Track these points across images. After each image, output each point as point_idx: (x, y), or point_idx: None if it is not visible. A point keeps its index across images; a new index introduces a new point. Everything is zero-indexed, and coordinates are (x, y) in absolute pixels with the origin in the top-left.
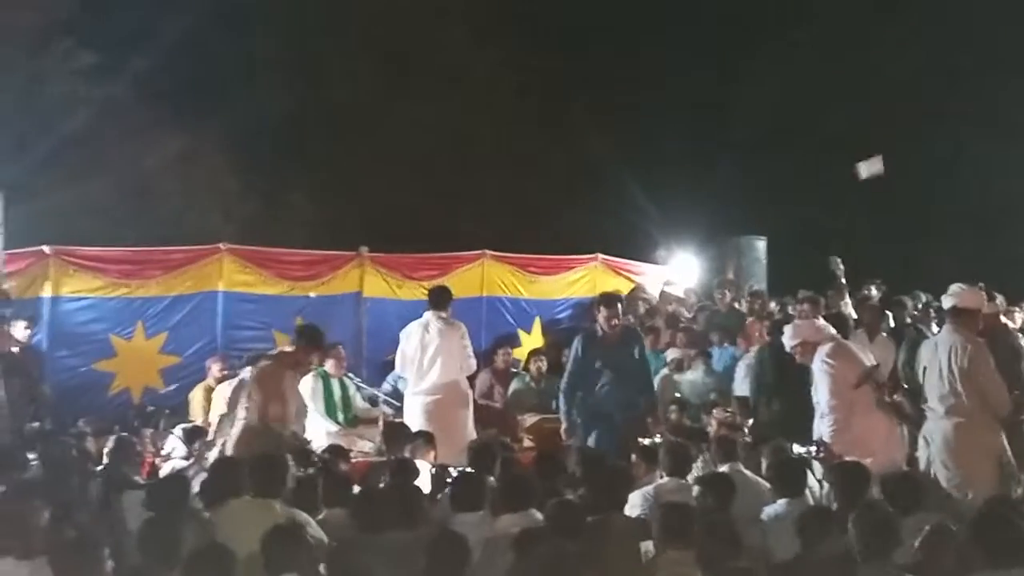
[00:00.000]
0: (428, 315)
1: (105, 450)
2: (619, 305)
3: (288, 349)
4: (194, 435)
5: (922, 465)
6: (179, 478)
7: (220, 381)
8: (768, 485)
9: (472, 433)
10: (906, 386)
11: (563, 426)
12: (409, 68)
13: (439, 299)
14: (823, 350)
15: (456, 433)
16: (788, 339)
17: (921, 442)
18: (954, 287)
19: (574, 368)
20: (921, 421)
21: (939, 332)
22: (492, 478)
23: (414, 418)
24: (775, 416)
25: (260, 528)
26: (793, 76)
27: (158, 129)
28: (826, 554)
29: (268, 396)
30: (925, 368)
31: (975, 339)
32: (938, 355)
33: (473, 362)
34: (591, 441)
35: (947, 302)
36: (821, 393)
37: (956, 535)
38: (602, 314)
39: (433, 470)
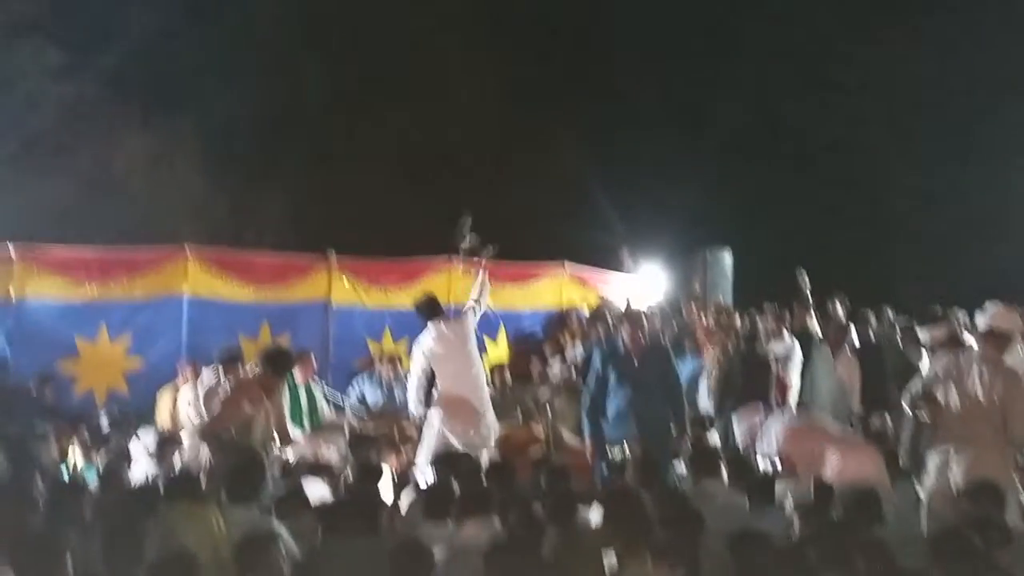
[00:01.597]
0: (434, 325)
1: (71, 449)
2: (644, 321)
3: (256, 375)
4: (161, 439)
5: (930, 482)
6: (147, 485)
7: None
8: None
9: (495, 434)
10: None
11: (587, 448)
12: (382, 71)
13: (433, 308)
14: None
15: (477, 438)
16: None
17: (936, 461)
18: (989, 305)
19: (595, 385)
20: (916, 441)
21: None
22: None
23: (435, 428)
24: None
25: (194, 534)
26: (765, 92)
27: (126, 129)
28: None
29: (223, 418)
30: (933, 385)
31: (1006, 364)
32: (971, 376)
33: (484, 290)
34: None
35: (981, 321)
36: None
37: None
38: (626, 330)
39: (395, 476)
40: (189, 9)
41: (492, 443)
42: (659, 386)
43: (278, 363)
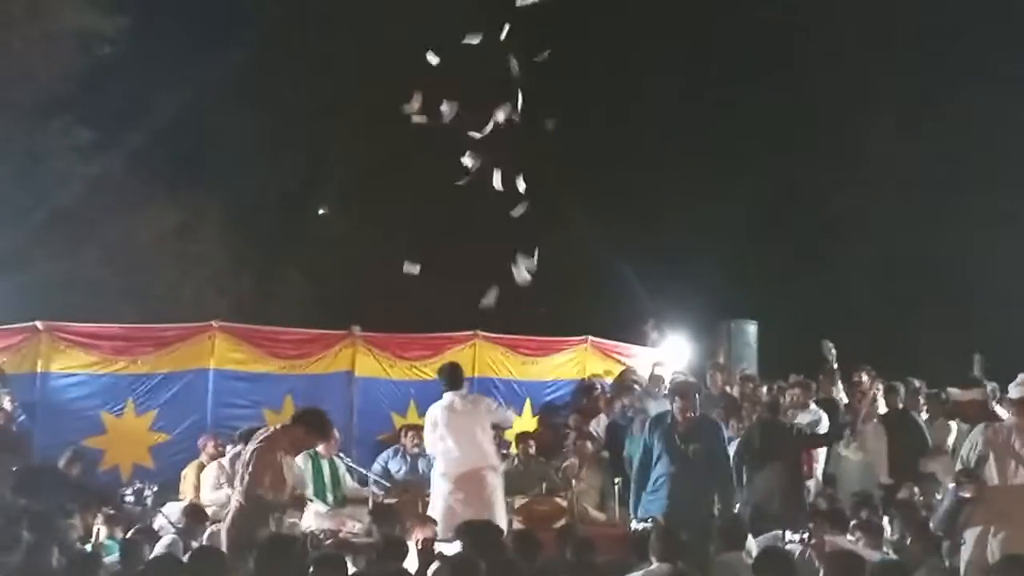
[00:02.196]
0: (449, 396)
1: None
2: (696, 396)
3: (288, 426)
4: (187, 514)
5: (967, 554)
6: (170, 560)
7: (212, 459)
8: None
9: (502, 508)
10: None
11: (632, 521)
12: (403, 146)
13: (455, 378)
14: None
15: (482, 512)
16: None
17: (974, 534)
18: (1021, 376)
19: (643, 457)
20: (954, 515)
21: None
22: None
23: (439, 500)
24: (756, 492)
25: None
26: (786, 161)
27: (153, 205)
28: None
29: (261, 475)
30: (978, 455)
31: None
32: (1010, 449)
33: (510, 414)
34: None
35: (1015, 392)
36: None
37: None
38: (677, 404)
39: (419, 546)
40: (214, 86)
41: (496, 517)
42: (704, 461)
43: (312, 424)
